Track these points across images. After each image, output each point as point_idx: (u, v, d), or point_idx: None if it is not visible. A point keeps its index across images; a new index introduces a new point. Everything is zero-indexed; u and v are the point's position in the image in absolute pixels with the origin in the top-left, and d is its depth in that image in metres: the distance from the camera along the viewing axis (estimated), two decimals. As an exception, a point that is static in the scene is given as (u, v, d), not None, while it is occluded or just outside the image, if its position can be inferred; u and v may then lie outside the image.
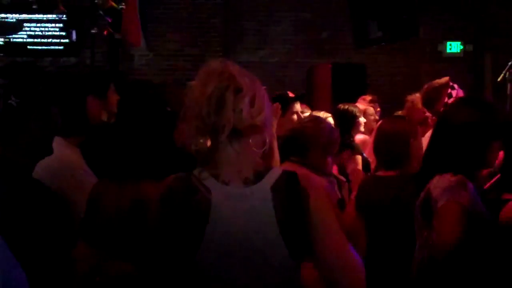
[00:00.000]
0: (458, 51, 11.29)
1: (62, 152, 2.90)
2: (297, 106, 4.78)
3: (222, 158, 1.80)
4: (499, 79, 6.12)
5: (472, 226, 2.39)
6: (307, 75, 9.95)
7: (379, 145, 3.39)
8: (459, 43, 11.29)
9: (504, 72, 6.02)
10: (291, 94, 5.06)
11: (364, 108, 5.61)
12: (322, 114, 4.69)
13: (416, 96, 5.12)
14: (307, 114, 4.97)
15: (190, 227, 1.74)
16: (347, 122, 5.15)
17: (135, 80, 7.98)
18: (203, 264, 1.75)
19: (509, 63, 5.94)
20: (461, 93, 4.20)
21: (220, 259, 1.74)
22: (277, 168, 1.84)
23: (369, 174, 4.21)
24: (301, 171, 3.11)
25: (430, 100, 4.29)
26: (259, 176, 1.79)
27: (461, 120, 2.52)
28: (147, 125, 2.49)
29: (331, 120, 4.65)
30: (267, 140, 1.84)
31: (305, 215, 1.75)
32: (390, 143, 3.29)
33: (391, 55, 10.53)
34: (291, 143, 3.36)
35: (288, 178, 1.79)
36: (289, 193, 1.75)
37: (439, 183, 2.46)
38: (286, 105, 4.97)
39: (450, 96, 4.13)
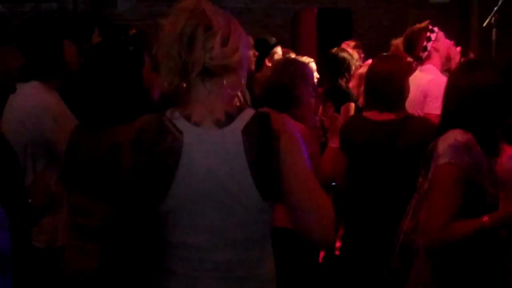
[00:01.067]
0: (445, -4, 11.19)
1: (41, 96, 2.89)
2: (278, 51, 4.74)
3: (194, 98, 1.77)
4: (484, 25, 6.09)
5: (468, 194, 2.40)
6: (292, 20, 9.84)
7: (375, 85, 3.30)
8: (446, -12, 11.18)
9: (489, 17, 5.99)
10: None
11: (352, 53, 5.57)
12: (305, 59, 4.65)
13: (401, 40, 5.08)
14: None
15: (161, 168, 1.74)
16: (340, 67, 5.12)
17: (117, 25, 7.85)
18: (174, 205, 1.75)
19: (495, 9, 5.90)
20: (441, 36, 4.14)
21: (191, 200, 1.74)
22: (250, 109, 1.81)
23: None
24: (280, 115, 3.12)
25: (410, 45, 4.24)
26: (230, 117, 1.77)
27: (488, 83, 2.49)
28: (110, 68, 2.44)
29: (313, 65, 4.62)
30: (243, 82, 1.82)
31: (275, 157, 1.74)
32: (387, 82, 3.24)
33: (377, 0, 10.42)
34: (274, 91, 3.28)
35: (260, 119, 1.77)
36: (259, 135, 1.74)
37: (447, 139, 2.45)
38: (268, 50, 4.94)
39: (429, 39, 4.08)
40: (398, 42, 5.21)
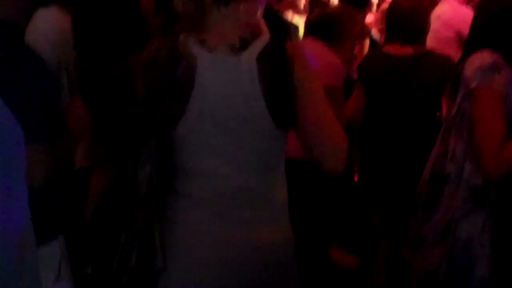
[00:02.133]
0: None
1: (61, 23, 2.88)
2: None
3: (208, 23, 1.75)
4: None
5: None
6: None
7: (396, 19, 3.25)
8: None
9: None
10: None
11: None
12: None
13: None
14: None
15: (175, 93, 1.73)
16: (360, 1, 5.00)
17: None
18: (188, 130, 1.75)
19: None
20: None
21: (205, 126, 1.74)
22: (264, 36, 1.78)
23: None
24: (320, 45, 3.11)
25: None
26: (245, 44, 1.74)
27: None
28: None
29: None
30: (260, 9, 1.79)
31: (289, 84, 1.72)
32: (409, 17, 3.20)
33: None
34: (322, 27, 3.27)
35: (275, 46, 1.74)
36: (274, 62, 1.72)
37: (474, 60, 2.40)
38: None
39: None
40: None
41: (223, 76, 1.73)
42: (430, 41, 3.58)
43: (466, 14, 3.91)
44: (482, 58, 2.37)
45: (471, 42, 2.53)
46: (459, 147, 2.48)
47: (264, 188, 1.83)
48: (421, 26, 3.23)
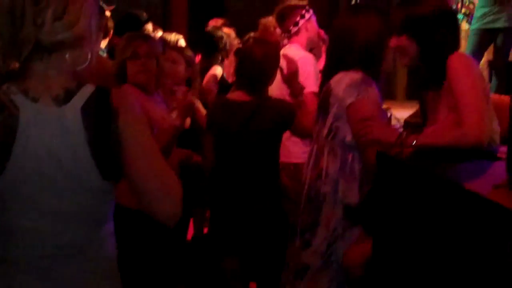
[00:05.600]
0: (316, -24, 11.44)
1: None
2: (149, 27, 4.64)
3: (31, 73, 1.65)
4: (352, 2, 6.29)
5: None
6: (164, -4, 9.70)
7: (244, 67, 3.29)
8: (317, -32, 11.43)
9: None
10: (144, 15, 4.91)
11: (228, 32, 5.55)
12: (174, 35, 4.57)
13: (269, 20, 5.13)
14: (159, 34, 4.84)
15: None
16: (216, 46, 5.07)
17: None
18: (11, 186, 1.64)
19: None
20: (314, 20, 4.28)
21: (29, 182, 1.64)
22: (90, 85, 1.71)
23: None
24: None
25: (282, 17, 4.34)
26: (70, 94, 1.67)
27: (362, 25, 2.60)
28: None
29: (182, 42, 4.55)
30: (89, 55, 1.69)
31: (113, 134, 1.67)
32: (256, 66, 3.24)
33: (250, -22, 10.47)
34: None
35: (99, 96, 1.68)
36: (98, 112, 1.66)
37: (342, 80, 2.50)
38: (139, 26, 4.83)
39: (302, 16, 4.20)
40: (266, 21, 5.26)
41: (47, 128, 1.64)
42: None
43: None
44: (350, 76, 2.51)
45: (331, 65, 2.64)
46: (333, 166, 2.57)
47: (92, 244, 1.75)
48: (268, 74, 3.29)
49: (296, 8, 4.27)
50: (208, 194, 3.44)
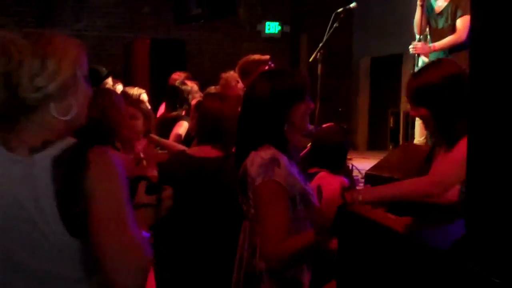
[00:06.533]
0: (276, 31, 11.65)
1: None
2: (109, 81, 4.65)
3: (15, 126, 1.64)
4: (310, 60, 6.38)
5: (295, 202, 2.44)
6: (124, 50, 9.74)
7: (205, 123, 3.29)
8: (277, 23, 11.65)
9: (315, 53, 6.29)
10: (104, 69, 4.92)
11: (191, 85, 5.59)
12: (136, 90, 4.58)
13: (230, 74, 5.19)
14: (119, 88, 4.85)
15: None
16: (179, 99, 5.09)
17: None
18: None
19: (320, 45, 6.21)
20: None
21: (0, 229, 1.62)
22: (71, 139, 1.69)
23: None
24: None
25: (245, 72, 4.37)
26: (47, 145, 1.64)
27: (255, 94, 2.56)
28: None
29: (145, 96, 4.56)
30: (74, 106, 1.68)
31: (80, 188, 1.61)
32: (217, 122, 3.23)
33: (211, 33, 10.61)
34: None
35: (76, 150, 1.64)
36: (69, 163, 1.61)
37: (254, 161, 2.47)
38: (99, 81, 4.83)
39: None
40: (227, 75, 5.31)
41: (15, 176, 1.62)
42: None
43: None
44: (260, 156, 2.46)
45: (242, 144, 2.63)
46: None
47: None
48: (227, 129, 3.27)
49: (260, 63, 4.31)
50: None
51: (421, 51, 5.62)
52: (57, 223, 1.60)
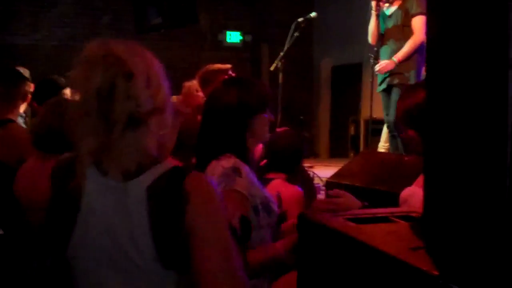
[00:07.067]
0: (238, 41, 11.68)
1: None
2: (67, 92, 4.57)
3: (109, 146, 1.56)
4: (271, 69, 6.41)
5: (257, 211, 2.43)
6: (85, 60, 9.62)
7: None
8: (238, 33, 11.68)
9: (276, 62, 6.32)
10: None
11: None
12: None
13: (193, 83, 5.17)
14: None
15: (65, 213, 1.59)
16: None
17: None
18: (73, 258, 1.60)
19: (281, 54, 6.24)
20: None
21: (89, 255, 1.57)
22: (166, 163, 1.62)
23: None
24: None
25: (206, 82, 4.36)
26: (141, 170, 1.57)
27: (221, 103, 2.54)
28: None
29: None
30: (169, 120, 1.64)
31: (180, 223, 1.53)
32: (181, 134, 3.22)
33: (172, 42, 10.58)
34: (49, 138, 3.13)
35: (171, 176, 1.58)
36: (165, 194, 1.54)
37: (215, 170, 2.46)
38: (56, 91, 4.76)
39: None
40: (190, 84, 5.29)
41: (110, 203, 1.56)
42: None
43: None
44: (221, 165, 2.44)
45: (202, 154, 2.61)
46: None
47: None
48: (188, 139, 3.25)
49: (220, 72, 4.31)
50: None
51: (388, 68, 5.68)
52: (152, 256, 1.54)
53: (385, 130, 6.17)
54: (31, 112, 4.85)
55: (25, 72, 4.92)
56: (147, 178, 1.56)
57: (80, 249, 1.59)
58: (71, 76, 1.58)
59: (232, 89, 2.55)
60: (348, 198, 2.57)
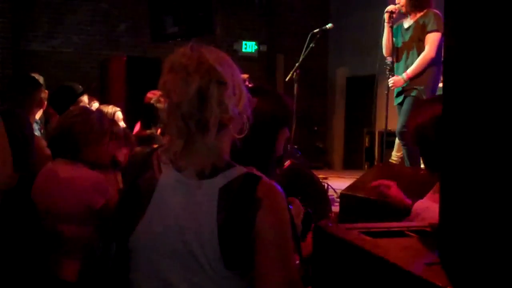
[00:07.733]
0: (253, 51, 11.71)
1: None
2: (84, 99, 4.62)
3: (187, 146, 1.63)
4: (287, 79, 6.42)
5: None
6: (101, 67, 9.69)
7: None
8: (254, 43, 11.71)
9: (291, 72, 6.33)
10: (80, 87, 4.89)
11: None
12: (111, 108, 4.56)
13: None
14: (95, 105, 4.82)
15: (135, 202, 1.66)
16: (155, 116, 5.09)
17: None
18: (137, 245, 1.65)
19: (296, 65, 6.25)
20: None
21: (152, 247, 1.62)
22: (240, 168, 1.66)
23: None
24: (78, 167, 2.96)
25: None
26: (216, 171, 1.63)
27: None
28: None
29: (119, 114, 4.54)
30: (247, 126, 1.69)
31: (248, 228, 1.58)
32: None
33: (188, 51, 10.61)
34: (60, 141, 3.09)
35: (245, 182, 1.62)
36: (237, 197, 1.59)
37: None
38: (74, 98, 4.80)
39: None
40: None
41: (181, 200, 1.61)
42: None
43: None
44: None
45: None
46: None
47: None
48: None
49: None
50: None
51: (398, 85, 5.65)
52: (216, 256, 1.58)
53: (397, 140, 6.16)
54: (45, 119, 4.88)
55: (40, 79, 4.96)
56: (221, 180, 1.62)
57: (144, 240, 1.64)
58: (163, 79, 1.64)
59: (262, 100, 2.50)
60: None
